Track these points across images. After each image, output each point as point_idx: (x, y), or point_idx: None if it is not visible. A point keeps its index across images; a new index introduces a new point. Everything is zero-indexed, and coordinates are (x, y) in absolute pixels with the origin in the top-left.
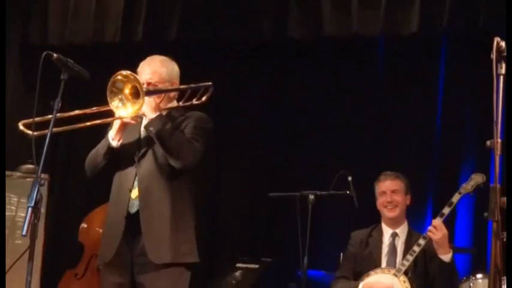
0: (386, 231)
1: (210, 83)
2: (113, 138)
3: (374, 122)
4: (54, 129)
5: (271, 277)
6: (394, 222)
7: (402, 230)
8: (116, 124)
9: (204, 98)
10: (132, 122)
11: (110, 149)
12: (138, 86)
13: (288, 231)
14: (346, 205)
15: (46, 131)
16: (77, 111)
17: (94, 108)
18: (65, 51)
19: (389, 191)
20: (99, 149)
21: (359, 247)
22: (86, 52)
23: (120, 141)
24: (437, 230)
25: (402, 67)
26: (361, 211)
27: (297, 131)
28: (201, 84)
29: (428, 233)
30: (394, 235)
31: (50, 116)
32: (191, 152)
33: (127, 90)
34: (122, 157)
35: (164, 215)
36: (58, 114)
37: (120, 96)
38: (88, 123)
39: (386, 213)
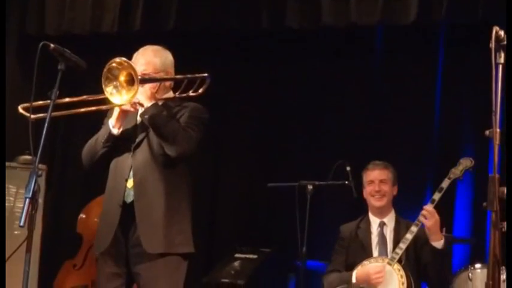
0: (374, 221)
1: (207, 75)
2: (114, 125)
3: (372, 112)
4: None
5: (270, 267)
6: (380, 212)
7: (390, 219)
8: (116, 112)
9: (200, 90)
10: (131, 109)
11: (111, 136)
12: (132, 73)
13: (287, 221)
14: (344, 195)
15: (43, 114)
16: (74, 98)
17: (89, 96)
18: (63, 41)
19: (378, 181)
20: (99, 138)
21: (349, 240)
22: (84, 42)
23: (121, 129)
24: (429, 216)
25: (400, 57)
26: (359, 201)
27: (295, 121)
28: (197, 75)
29: (421, 218)
30: (382, 224)
31: (47, 101)
32: (186, 140)
33: (122, 78)
34: (118, 146)
35: (159, 205)
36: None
37: (114, 83)
38: (83, 110)
39: (374, 202)
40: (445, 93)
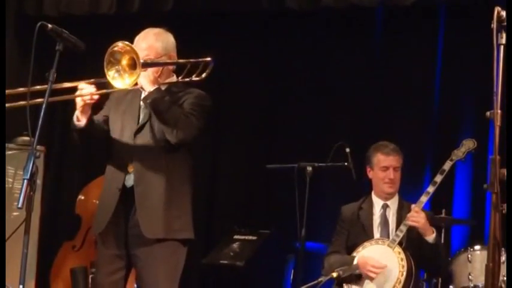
0: (377, 203)
1: (210, 59)
2: (79, 119)
3: (372, 94)
4: (49, 99)
5: (269, 249)
6: (389, 197)
7: (393, 202)
8: (79, 105)
9: (203, 75)
10: (92, 101)
11: (76, 130)
12: (135, 57)
13: (286, 203)
14: (344, 177)
15: (41, 99)
16: (73, 83)
17: (89, 81)
18: (61, 22)
19: (392, 168)
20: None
21: (350, 221)
22: (82, 23)
23: (87, 120)
24: (417, 216)
25: (401, 38)
26: (359, 183)
27: (294, 102)
28: (201, 59)
29: (410, 221)
30: (385, 206)
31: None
32: (188, 126)
33: (124, 62)
34: (120, 131)
35: (159, 191)
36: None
37: (117, 67)
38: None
39: (386, 188)
40: (445, 74)
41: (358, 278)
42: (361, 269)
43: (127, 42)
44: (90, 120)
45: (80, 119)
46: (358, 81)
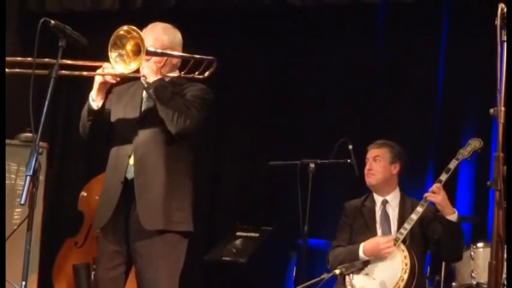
0: (378, 200)
1: (214, 58)
2: (94, 99)
3: (375, 91)
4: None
5: (272, 246)
6: (376, 190)
7: (393, 197)
8: (96, 84)
9: (206, 74)
10: (113, 81)
11: (91, 111)
12: (140, 43)
13: (289, 199)
14: (346, 174)
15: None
16: (77, 61)
17: (93, 61)
18: (64, 18)
19: (371, 158)
20: (84, 110)
21: (354, 217)
22: (85, 19)
23: (102, 102)
24: (436, 193)
25: (403, 35)
26: (361, 180)
27: (297, 99)
28: (205, 57)
29: (429, 197)
30: (385, 202)
31: (48, 59)
32: (189, 117)
33: (129, 47)
34: (121, 122)
35: (159, 182)
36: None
37: (120, 51)
38: (85, 73)
39: (366, 179)
40: (448, 71)
41: (360, 271)
42: (371, 254)
43: (134, 27)
44: (103, 105)
45: (94, 99)
46: (361, 78)
